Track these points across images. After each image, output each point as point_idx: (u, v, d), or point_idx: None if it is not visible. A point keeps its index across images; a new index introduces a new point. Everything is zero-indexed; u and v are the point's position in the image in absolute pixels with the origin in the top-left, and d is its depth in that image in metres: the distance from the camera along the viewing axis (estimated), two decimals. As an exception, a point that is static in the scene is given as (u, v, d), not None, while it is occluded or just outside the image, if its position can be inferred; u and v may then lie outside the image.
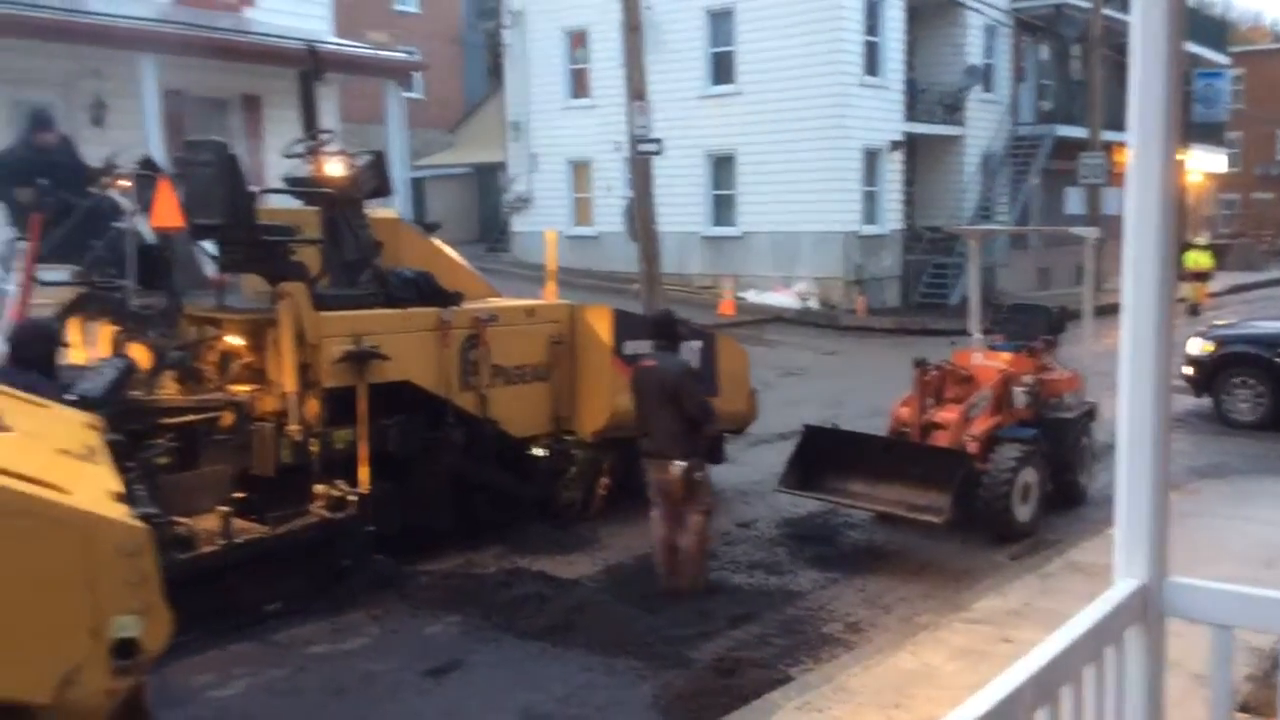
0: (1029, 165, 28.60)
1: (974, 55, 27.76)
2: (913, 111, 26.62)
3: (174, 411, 7.29)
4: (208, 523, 6.78)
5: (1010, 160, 28.87)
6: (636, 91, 17.55)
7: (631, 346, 8.99)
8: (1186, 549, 4.92)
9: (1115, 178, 24.75)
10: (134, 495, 6.40)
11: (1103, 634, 2.58)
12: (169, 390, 7.67)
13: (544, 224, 28.88)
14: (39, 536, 3.20)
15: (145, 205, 7.67)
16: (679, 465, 7.38)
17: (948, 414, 9.37)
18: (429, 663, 6.38)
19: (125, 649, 3.28)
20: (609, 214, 26.37)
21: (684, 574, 7.60)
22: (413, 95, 29.56)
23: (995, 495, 8.78)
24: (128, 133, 15.38)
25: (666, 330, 7.88)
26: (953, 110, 27.61)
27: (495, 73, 33.02)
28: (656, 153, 17.70)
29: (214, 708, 5.78)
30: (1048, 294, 24.55)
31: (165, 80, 16.34)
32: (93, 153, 11.25)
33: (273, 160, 17.08)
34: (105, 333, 7.84)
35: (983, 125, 28.40)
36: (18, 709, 3.31)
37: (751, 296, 24.83)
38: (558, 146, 28.91)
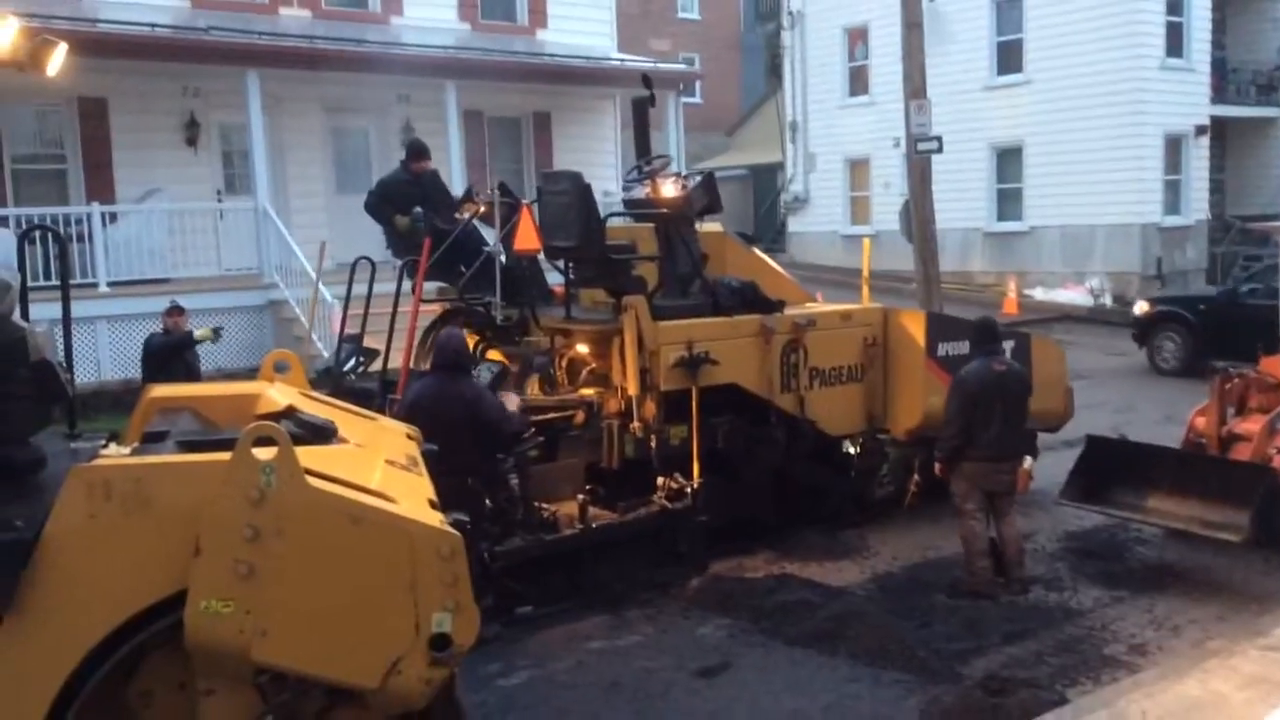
0: (1357, 146, 25.97)
1: (1293, 29, 25.49)
2: (1222, 94, 24.72)
3: (539, 410, 8.25)
4: (567, 509, 7.70)
5: (1336, 141, 26.29)
6: (915, 90, 17.20)
7: (944, 348, 9.24)
8: None
9: None
10: (497, 484, 7.22)
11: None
12: (534, 392, 8.64)
13: (821, 224, 28.85)
14: (374, 542, 3.63)
15: (504, 228, 8.57)
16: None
17: (1251, 424, 8.78)
18: (699, 663, 6.62)
19: (441, 642, 3.67)
20: (886, 212, 25.91)
21: (1013, 571, 7.82)
22: (692, 100, 30.18)
23: (1304, 513, 8.14)
24: (433, 154, 16.58)
25: (991, 334, 8.16)
26: (1269, 90, 25.47)
27: (774, 73, 33.10)
28: (937, 151, 17.29)
29: (501, 695, 6.24)
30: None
31: (465, 102, 17.50)
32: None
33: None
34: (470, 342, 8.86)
35: (1304, 104, 26.01)
36: (350, 692, 3.77)
37: (1039, 294, 23.79)
38: (835, 145, 28.71)
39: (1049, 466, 9.58)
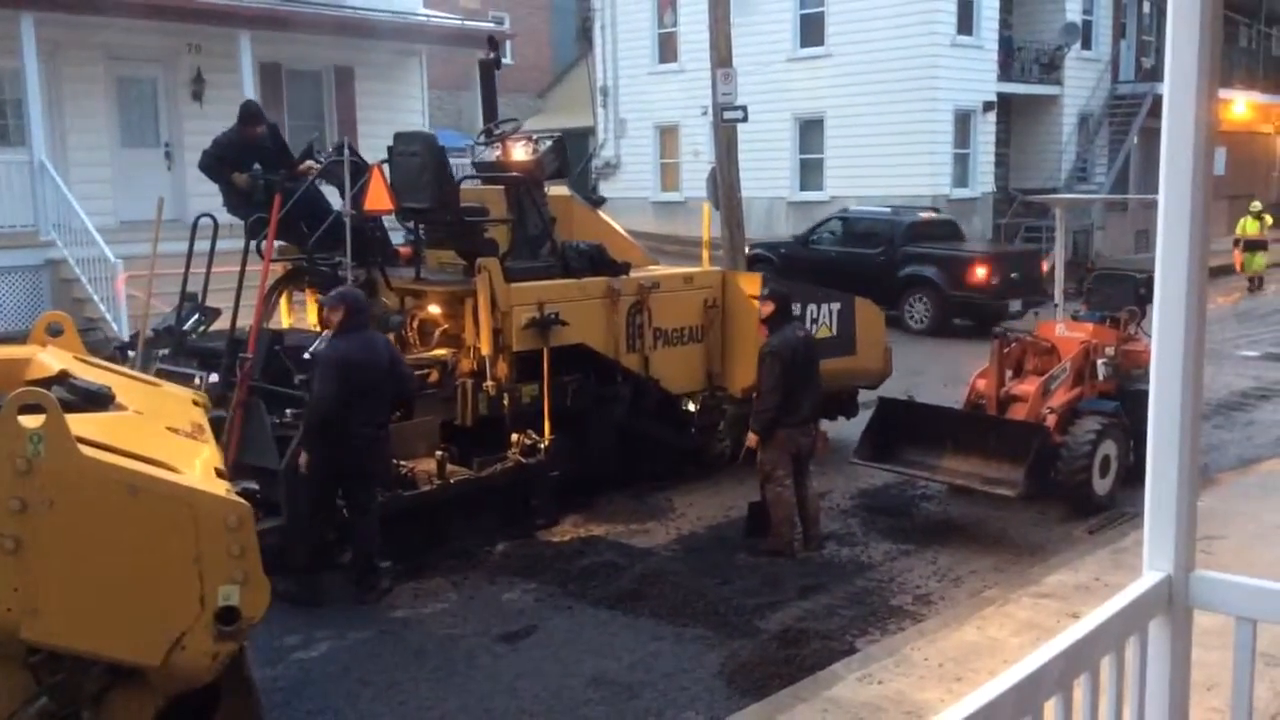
0: (1129, 125, 27.78)
1: (1073, 12, 26.98)
2: (1008, 71, 26.02)
3: None
4: (424, 466, 7.88)
5: (1109, 120, 28.06)
6: (722, 59, 17.45)
7: None
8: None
9: (1222, 136, 23.91)
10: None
11: (1126, 624, 2.63)
12: None
13: (631, 190, 29.02)
14: (154, 513, 3.45)
15: (350, 188, 8.39)
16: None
17: (1026, 386, 9.32)
18: (505, 628, 6.63)
19: (228, 616, 3.53)
20: (696, 179, 26.32)
21: (810, 529, 8.10)
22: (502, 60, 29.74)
23: (1073, 468, 8.73)
24: (225, 106, 15.82)
25: (789, 304, 8.47)
26: (1050, 69, 26.92)
27: (585, 36, 33.04)
28: (742, 120, 17.61)
29: (299, 668, 6.08)
30: (1145, 257, 23.93)
31: (261, 54, 16.74)
32: (192, 126, 11.70)
33: (365, 130, 17.49)
34: (311, 302, 8.99)
35: (1081, 84, 27.64)
36: (132, 670, 3.59)
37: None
38: (645, 111, 28.91)
39: (844, 428, 9.95)
